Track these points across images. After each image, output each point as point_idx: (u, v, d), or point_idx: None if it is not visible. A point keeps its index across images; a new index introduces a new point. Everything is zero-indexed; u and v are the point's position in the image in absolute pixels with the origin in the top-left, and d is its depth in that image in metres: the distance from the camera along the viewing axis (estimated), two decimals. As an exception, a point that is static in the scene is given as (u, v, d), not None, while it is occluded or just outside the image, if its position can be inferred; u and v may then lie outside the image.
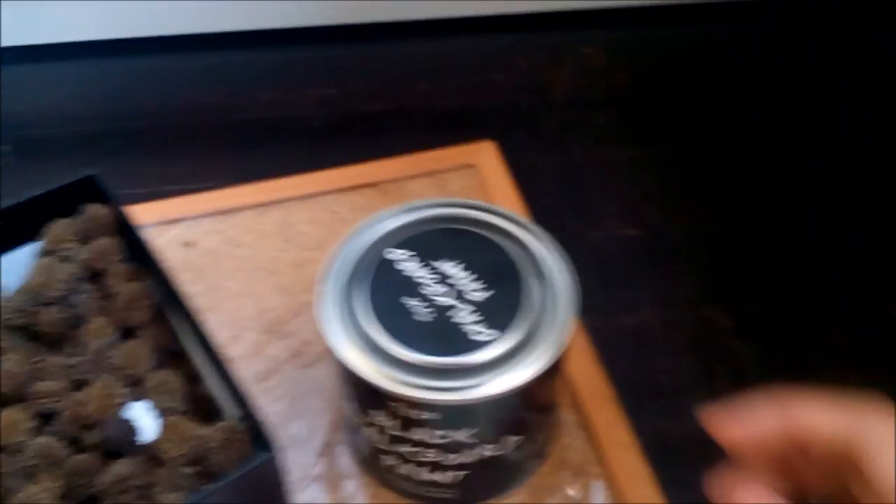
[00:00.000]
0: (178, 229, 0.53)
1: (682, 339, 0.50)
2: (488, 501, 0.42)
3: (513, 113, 0.65)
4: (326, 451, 0.44)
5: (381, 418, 0.37)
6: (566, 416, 0.45)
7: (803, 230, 0.56)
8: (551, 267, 0.38)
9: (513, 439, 0.38)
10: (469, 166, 0.57)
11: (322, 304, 0.37)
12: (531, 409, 0.39)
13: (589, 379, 0.46)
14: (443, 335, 0.36)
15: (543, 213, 0.56)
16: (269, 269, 0.52)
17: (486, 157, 0.58)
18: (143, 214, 0.53)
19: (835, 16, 0.71)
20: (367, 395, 0.37)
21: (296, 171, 0.57)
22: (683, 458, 0.44)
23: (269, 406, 0.46)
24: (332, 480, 0.43)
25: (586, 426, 0.45)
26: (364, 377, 0.35)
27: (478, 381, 0.35)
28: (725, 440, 0.27)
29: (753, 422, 0.26)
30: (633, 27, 0.71)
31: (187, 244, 0.53)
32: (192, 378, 0.41)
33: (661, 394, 0.48)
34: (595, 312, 0.51)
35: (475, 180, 0.57)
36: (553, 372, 0.37)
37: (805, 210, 0.57)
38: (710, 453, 0.27)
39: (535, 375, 0.35)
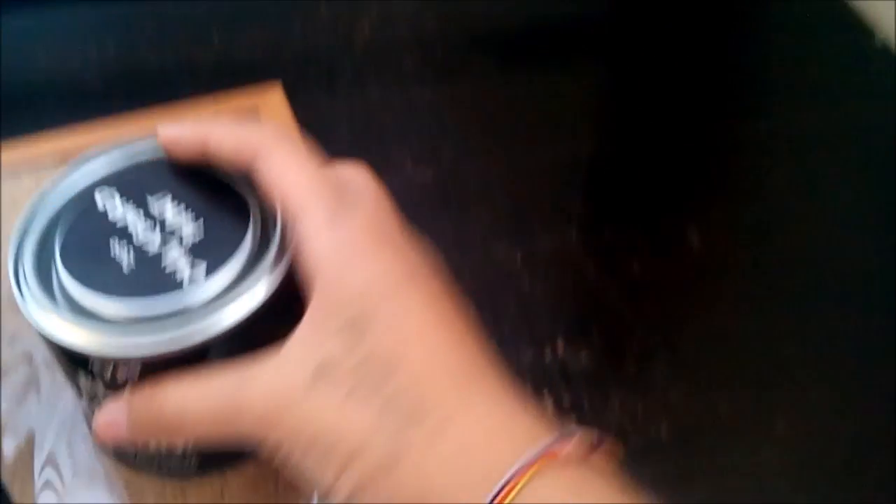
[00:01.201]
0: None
1: (471, 280, 0.47)
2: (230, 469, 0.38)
3: (311, 62, 0.61)
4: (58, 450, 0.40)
5: (88, 383, 0.33)
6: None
7: (600, 164, 0.54)
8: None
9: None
10: (252, 110, 0.53)
11: (15, 256, 0.33)
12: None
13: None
14: (148, 281, 0.32)
15: (334, 158, 0.53)
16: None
17: (271, 99, 0.54)
18: None
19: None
20: (65, 359, 0.32)
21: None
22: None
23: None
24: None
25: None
26: (51, 336, 0.31)
27: (188, 326, 0.31)
28: (162, 139, 0.35)
29: (181, 129, 0.35)
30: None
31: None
32: None
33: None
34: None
35: (258, 126, 0.53)
36: (279, 307, 0.33)
37: (602, 144, 0.55)
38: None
39: (249, 313, 0.32)
